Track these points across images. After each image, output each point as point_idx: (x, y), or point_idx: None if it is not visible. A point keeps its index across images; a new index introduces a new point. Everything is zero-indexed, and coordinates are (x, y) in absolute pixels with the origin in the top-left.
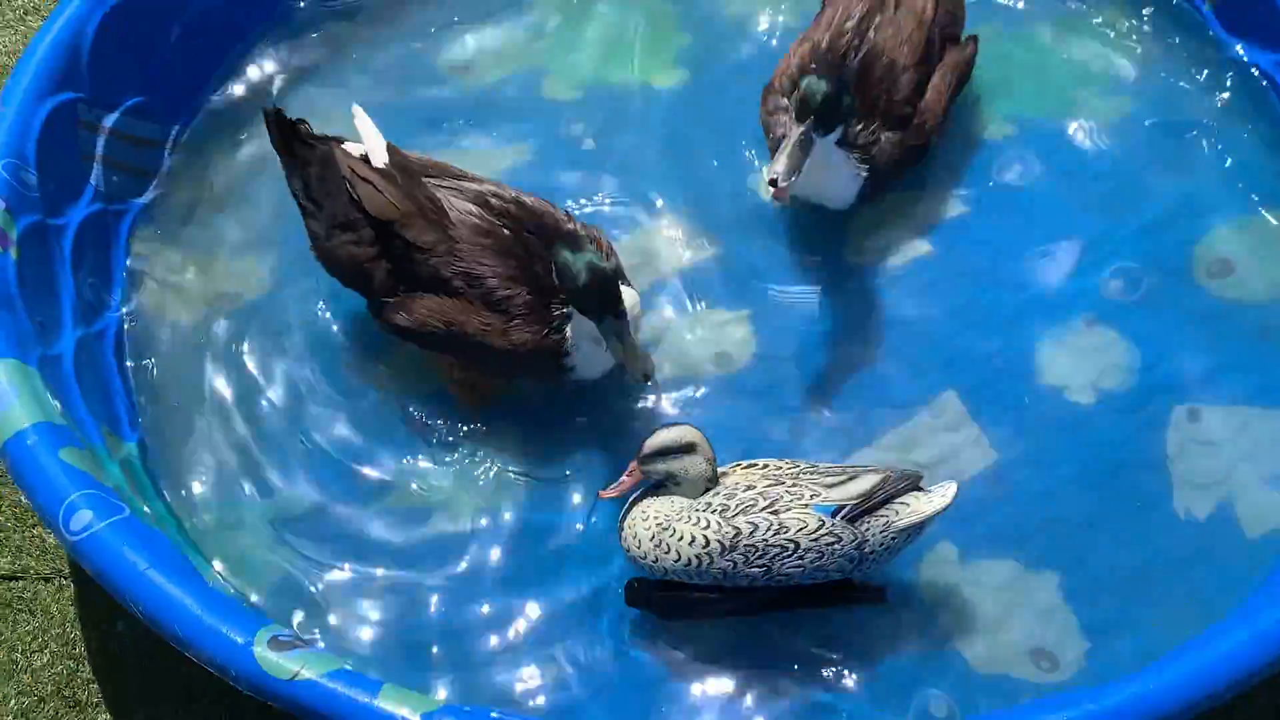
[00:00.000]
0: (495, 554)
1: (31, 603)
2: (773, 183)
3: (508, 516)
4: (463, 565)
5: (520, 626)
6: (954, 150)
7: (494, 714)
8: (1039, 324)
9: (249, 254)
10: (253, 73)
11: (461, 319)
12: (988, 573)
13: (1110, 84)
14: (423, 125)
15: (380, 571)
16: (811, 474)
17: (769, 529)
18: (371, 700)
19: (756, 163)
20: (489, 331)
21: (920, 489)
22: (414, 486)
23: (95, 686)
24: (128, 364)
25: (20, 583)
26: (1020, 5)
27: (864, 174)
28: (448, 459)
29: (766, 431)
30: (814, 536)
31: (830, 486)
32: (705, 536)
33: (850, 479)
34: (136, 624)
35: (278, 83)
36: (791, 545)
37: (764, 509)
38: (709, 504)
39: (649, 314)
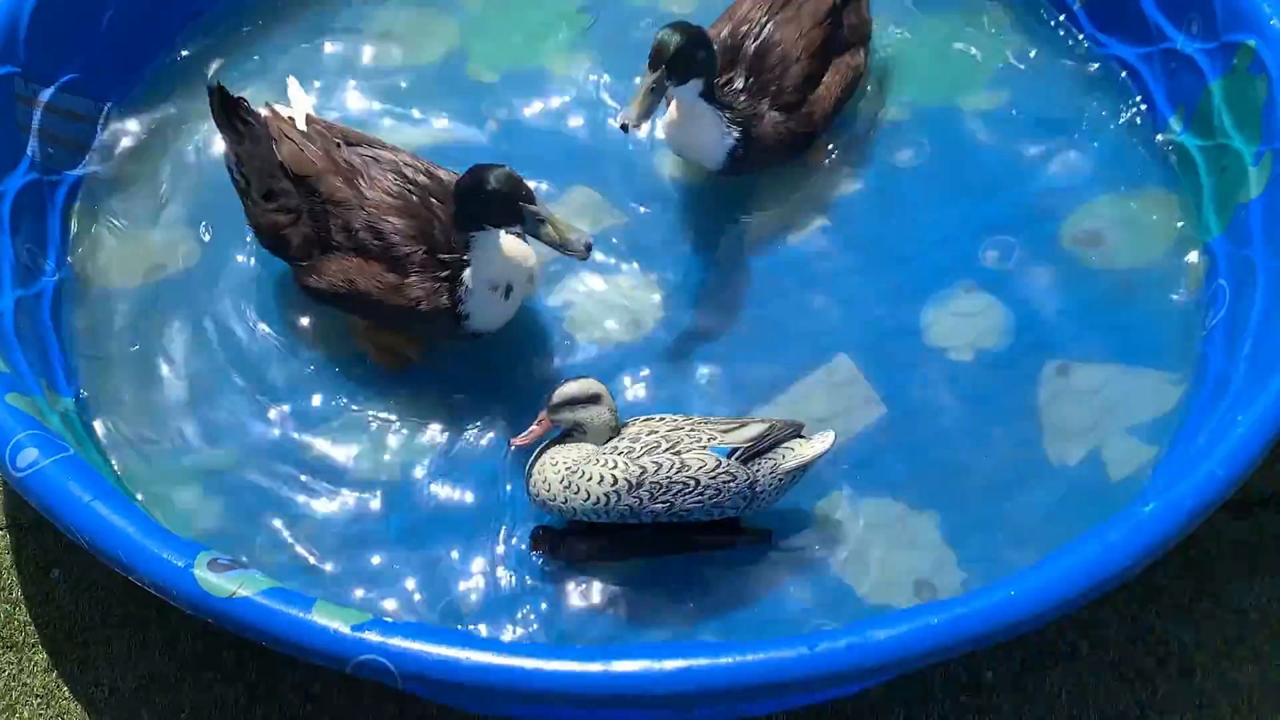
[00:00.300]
0: (412, 501)
1: None
2: (623, 127)
3: (424, 468)
4: (381, 511)
5: (434, 568)
6: (850, 132)
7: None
8: (923, 291)
9: (179, 224)
10: (182, 53)
11: (363, 278)
12: (876, 513)
13: (993, 76)
14: (346, 102)
15: (305, 519)
16: (705, 424)
17: (671, 467)
18: (305, 614)
19: (658, 149)
20: (386, 288)
21: (802, 437)
22: (336, 441)
23: (31, 628)
24: (64, 325)
25: None
26: (914, 4)
27: (734, 136)
28: (368, 416)
29: (672, 392)
30: (712, 474)
31: (725, 432)
32: (614, 475)
33: (741, 426)
34: (70, 570)
35: (207, 63)
36: (692, 482)
37: (667, 450)
38: (615, 448)
39: (561, 283)
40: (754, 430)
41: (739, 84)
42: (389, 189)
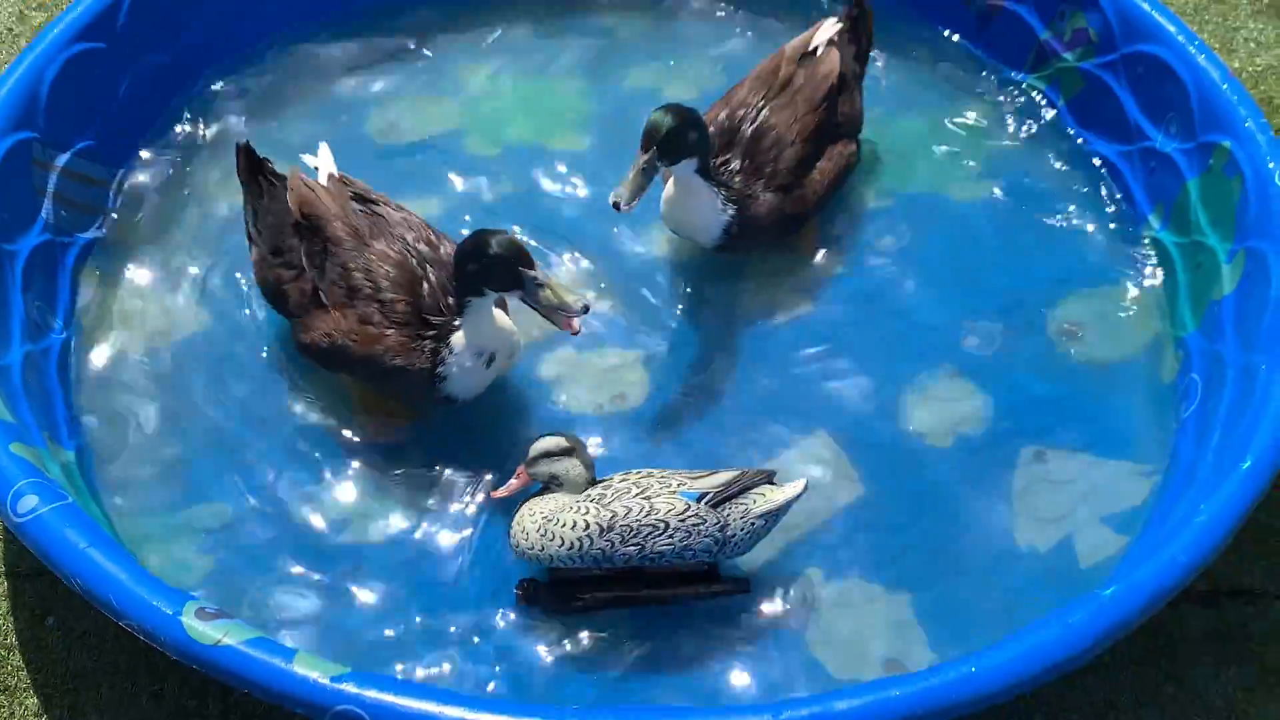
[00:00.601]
0: (400, 557)
1: None
2: (615, 206)
3: (409, 528)
4: (369, 567)
5: (420, 620)
6: (837, 217)
7: (396, 677)
8: (905, 375)
9: (184, 288)
10: (194, 126)
11: (345, 331)
12: (848, 591)
13: (978, 168)
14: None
15: (292, 577)
16: (677, 474)
17: (641, 511)
18: (286, 665)
19: (650, 229)
20: (365, 340)
21: (774, 484)
22: (325, 503)
23: (24, 674)
24: (69, 380)
25: None
26: (904, 96)
27: (728, 213)
28: (359, 476)
29: (654, 463)
30: (681, 517)
31: (695, 479)
32: (585, 520)
33: (711, 474)
34: (65, 618)
35: (215, 132)
36: (662, 525)
37: (637, 495)
38: (589, 495)
39: (548, 353)
40: (723, 477)
41: (735, 165)
42: (389, 246)
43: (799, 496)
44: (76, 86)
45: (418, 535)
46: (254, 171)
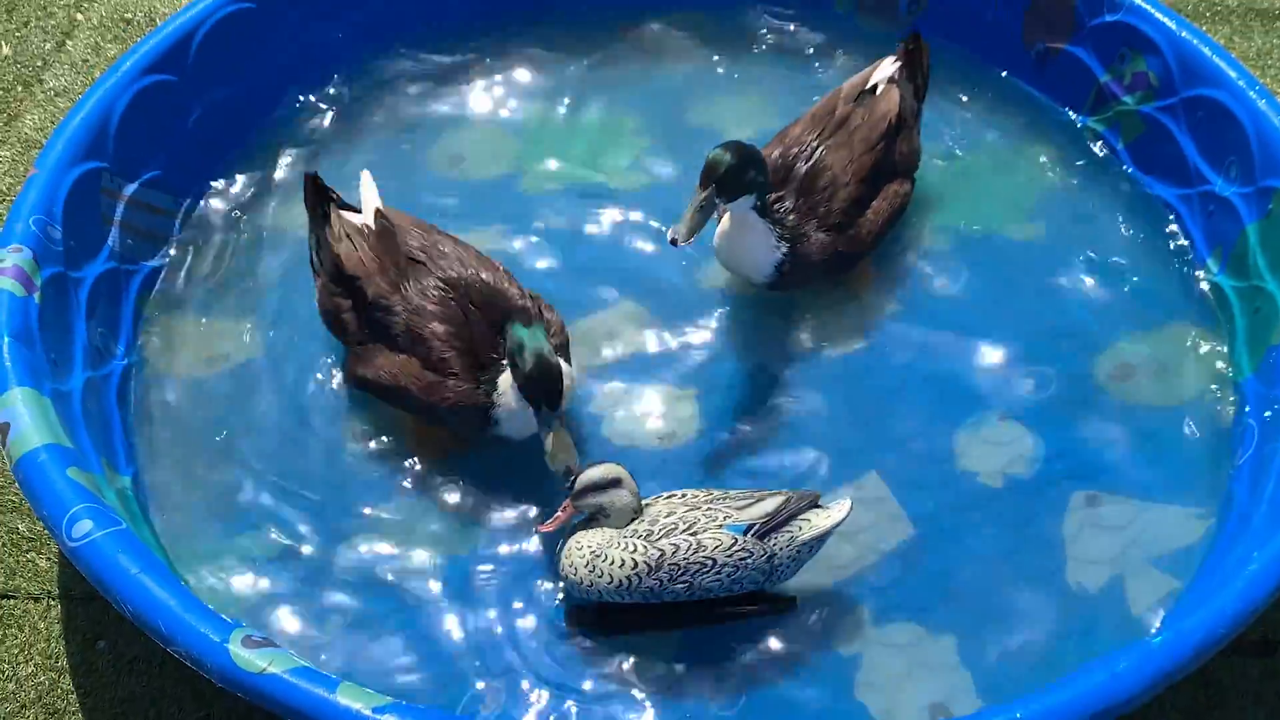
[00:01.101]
0: (448, 586)
1: (21, 619)
2: (673, 242)
3: (459, 555)
4: (418, 596)
5: (465, 651)
6: (892, 256)
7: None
8: (957, 416)
9: (245, 318)
10: (260, 155)
11: (405, 374)
12: (895, 633)
13: (1034, 208)
14: (414, 208)
15: (343, 601)
16: (723, 499)
17: (689, 549)
18: (329, 694)
19: (703, 267)
20: (425, 385)
21: (819, 506)
22: (376, 534)
23: (74, 697)
24: (128, 408)
25: (11, 601)
26: (961, 136)
27: (781, 251)
28: (409, 507)
29: None
30: (728, 553)
31: (740, 509)
32: (633, 559)
33: (757, 501)
34: (116, 642)
35: (280, 163)
36: (710, 562)
37: (683, 531)
38: (635, 530)
39: (599, 391)
40: (769, 505)
41: (789, 203)
42: (432, 295)
43: (845, 519)
44: (147, 117)
45: (466, 567)
46: (319, 202)
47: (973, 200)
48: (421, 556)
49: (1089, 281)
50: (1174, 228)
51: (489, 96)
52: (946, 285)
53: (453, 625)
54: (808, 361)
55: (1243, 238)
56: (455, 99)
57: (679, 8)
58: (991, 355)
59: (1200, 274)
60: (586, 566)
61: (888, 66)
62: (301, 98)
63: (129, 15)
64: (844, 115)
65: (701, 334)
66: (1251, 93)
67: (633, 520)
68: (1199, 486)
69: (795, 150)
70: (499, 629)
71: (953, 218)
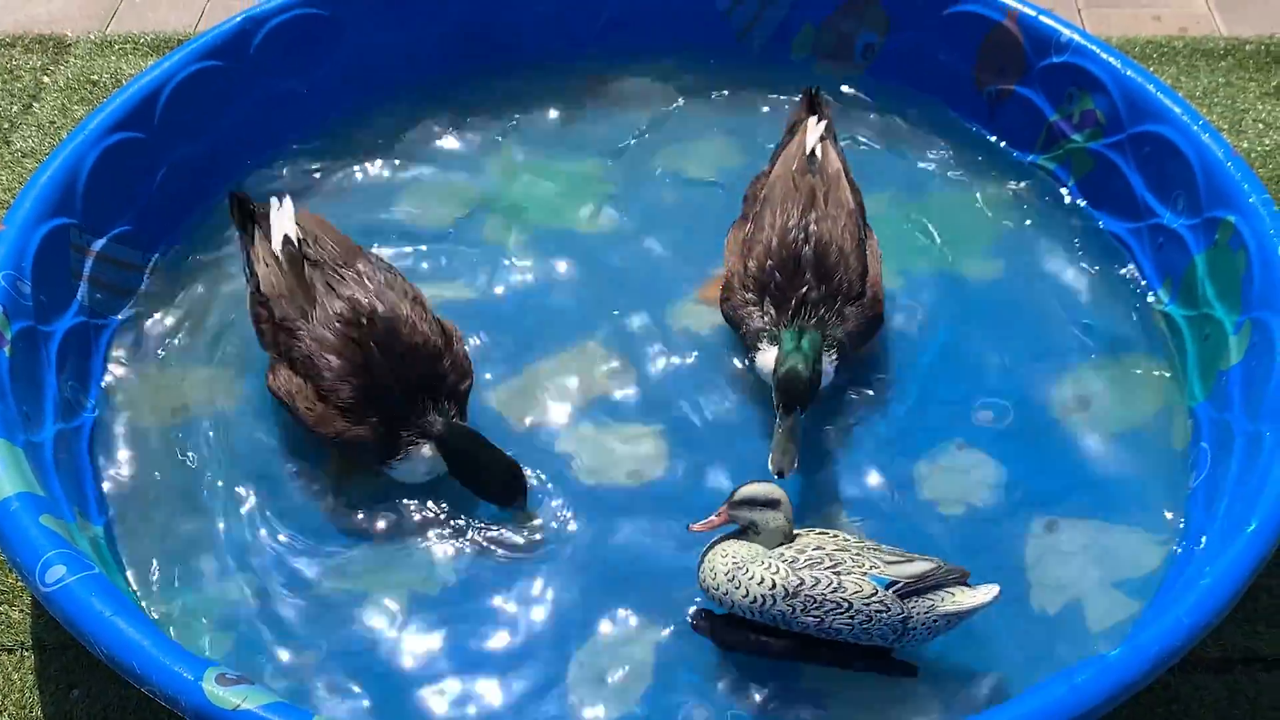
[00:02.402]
0: (414, 621)
1: None
2: (780, 474)
3: (438, 591)
4: (397, 637)
5: (441, 683)
6: None
7: None
8: (917, 447)
9: (213, 370)
10: (225, 213)
11: (300, 397)
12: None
13: (989, 246)
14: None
15: (317, 647)
16: (874, 550)
17: (828, 585)
18: None
19: (668, 305)
20: (316, 417)
21: (967, 585)
22: (350, 573)
23: None
24: (99, 458)
25: None
26: (916, 177)
27: (833, 359)
28: (383, 550)
29: (670, 529)
30: (866, 601)
31: (889, 564)
32: (773, 579)
33: (907, 561)
34: (89, 689)
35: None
36: (845, 604)
37: (828, 568)
38: (782, 554)
39: (566, 430)
40: (918, 568)
41: (814, 295)
42: (335, 327)
43: (989, 604)
44: (114, 174)
45: (433, 603)
46: (245, 219)
47: (929, 240)
48: (391, 593)
49: (1044, 315)
50: (1125, 260)
51: (452, 147)
52: (904, 322)
53: (424, 660)
54: (768, 398)
55: (1191, 267)
56: (419, 150)
57: (641, 57)
58: (950, 389)
59: (1152, 303)
60: (726, 575)
61: (815, 127)
62: (268, 153)
63: (95, 77)
64: (810, 186)
65: (665, 373)
66: (1195, 127)
67: (781, 544)
68: (1156, 510)
69: (792, 234)
70: (478, 655)
71: (910, 258)
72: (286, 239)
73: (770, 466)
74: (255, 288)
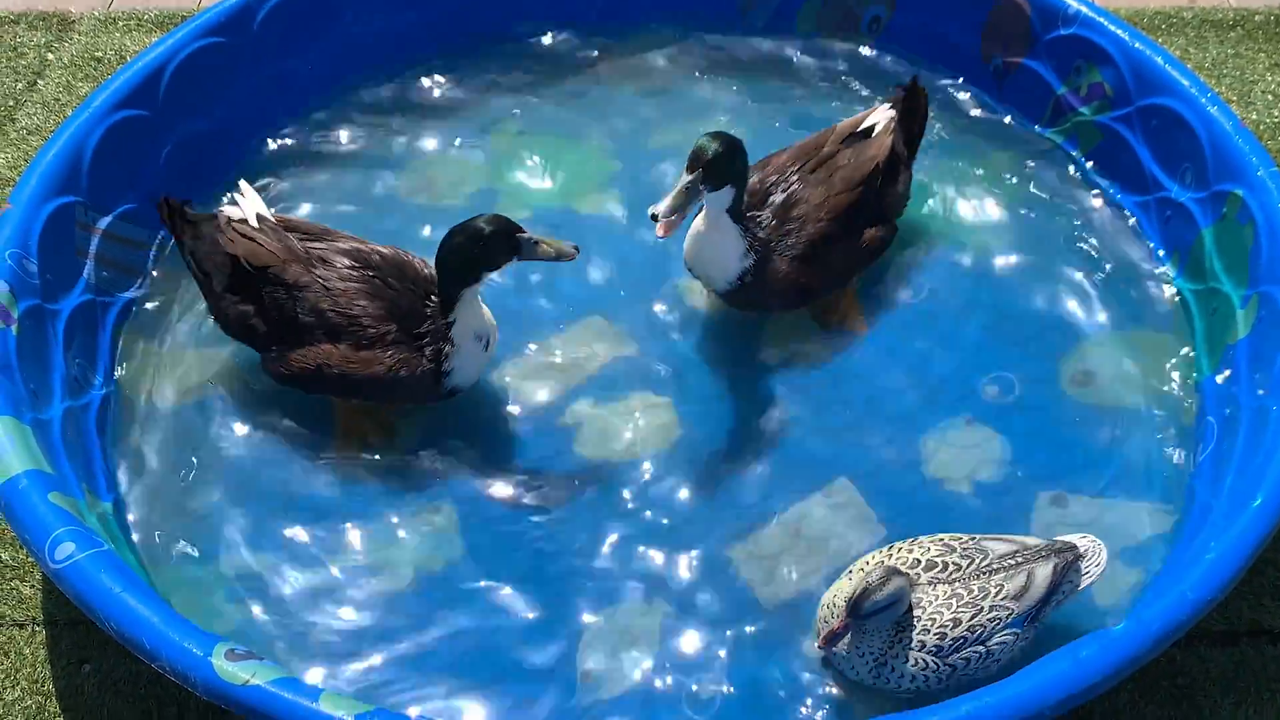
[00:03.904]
0: (426, 596)
1: (6, 646)
2: (653, 216)
3: (435, 568)
4: (400, 606)
5: (452, 657)
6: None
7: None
8: (925, 422)
9: (219, 347)
10: (232, 187)
11: (335, 360)
12: None
13: (997, 220)
14: (385, 237)
15: (327, 617)
16: (987, 573)
17: (979, 659)
18: (312, 703)
19: (678, 278)
20: (360, 363)
21: (1078, 560)
22: (357, 546)
23: (61, 719)
24: (107, 435)
25: None
26: (922, 150)
27: (749, 261)
28: (392, 520)
29: (673, 508)
30: (1010, 649)
31: (1016, 597)
32: (925, 675)
33: (1028, 576)
34: (101, 665)
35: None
36: (995, 660)
37: (974, 644)
38: (923, 643)
39: (572, 403)
40: (1041, 583)
41: (765, 218)
42: (348, 275)
43: (1104, 571)
44: (119, 152)
45: (444, 576)
46: (177, 221)
47: (936, 214)
48: (398, 568)
49: (1051, 289)
50: (1133, 234)
51: (459, 125)
52: (911, 295)
53: (439, 633)
54: (778, 371)
55: (1199, 241)
56: (425, 128)
57: (643, 33)
58: (957, 363)
59: (1159, 277)
60: (870, 673)
61: (884, 112)
62: (272, 129)
63: (100, 54)
64: (830, 153)
65: (673, 347)
66: (1203, 99)
67: (909, 612)
68: (1162, 484)
69: (775, 179)
70: (483, 635)
71: (917, 231)
72: (260, 216)
73: (649, 208)
74: (231, 282)
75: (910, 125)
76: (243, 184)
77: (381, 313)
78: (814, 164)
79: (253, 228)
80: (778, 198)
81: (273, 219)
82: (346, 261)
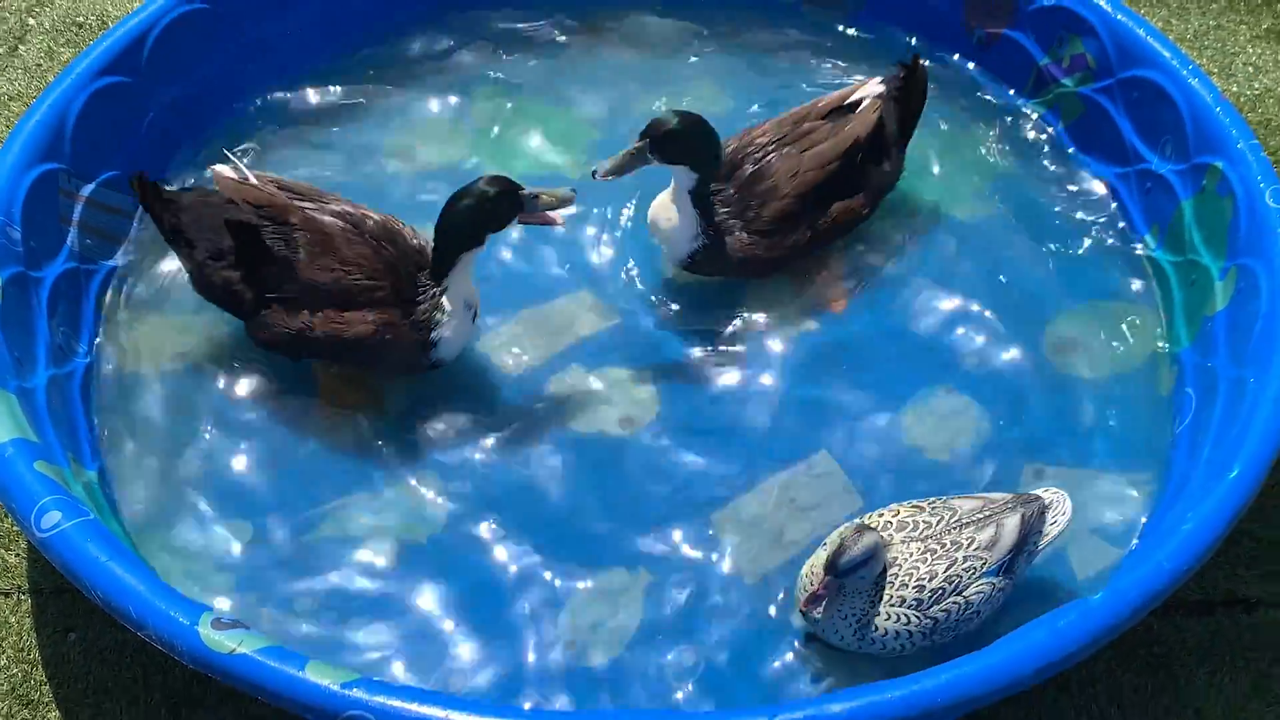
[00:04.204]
0: (411, 563)
1: None
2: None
3: (419, 538)
4: (388, 574)
5: (441, 624)
6: (837, 241)
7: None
8: (904, 392)
9: (203, 315)
10: (217, 154)
11: (320, 325)
12: None
13: (978, 189)
14: (369, 203)
15: (316, 591)
16: (958, 526)
17: (959, 610)
18: (298, 672)
19: (659, 252)
20: (349, 325)
21: (1045, 511)
22: (346, 515)
23: (47, 688)
24: (92, 402)
25: None
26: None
27: (699, 244)
28: (373, 486)
29: (662, 479)
30: (988, 597)
31: (988, 547)
32: (908, 630)
33: (994, 523)
34: (86, 633)
35: (240, 163)
36: (975, 612)
37: (953, 594)
38: (902, 598)
39: (558, 377)
40: (1010, 529)
41: (728, 193)
42: (343, 229)
43: (1071, 519)
44: (102, 119)
45: (436, 547)
46: (155, 199)
47: (917, 184)
48: (384, 539)
49: (1032, 259)
50: (1113, 205)
51: (444, 89)
52: (893, 265)
53: (425, 602)
54: (759, 343)
55: (1178, 213)
56: (409, 92)
57: (630, 3)
58: (937, 333)
59: (1139, 249)
60: (855, 635)
61: (873, 87)
62: (255, 95)
63: (81, 19)
64: (809, 129)
65: (656, 320)
66: (1184, 72)
67: (884, 573)
68: (1141, 455)
69: (749, 151)
70: (466, 604)
71: (898, 201)
72: (257, 174)
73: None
74: (211, 253)
75: (907, 104)
76: (230, 158)
77: (376, 267)
78: (791, 138)
79: (257, 180)
80: (747, 169)
81: (271, 179)
82: (340, 222)
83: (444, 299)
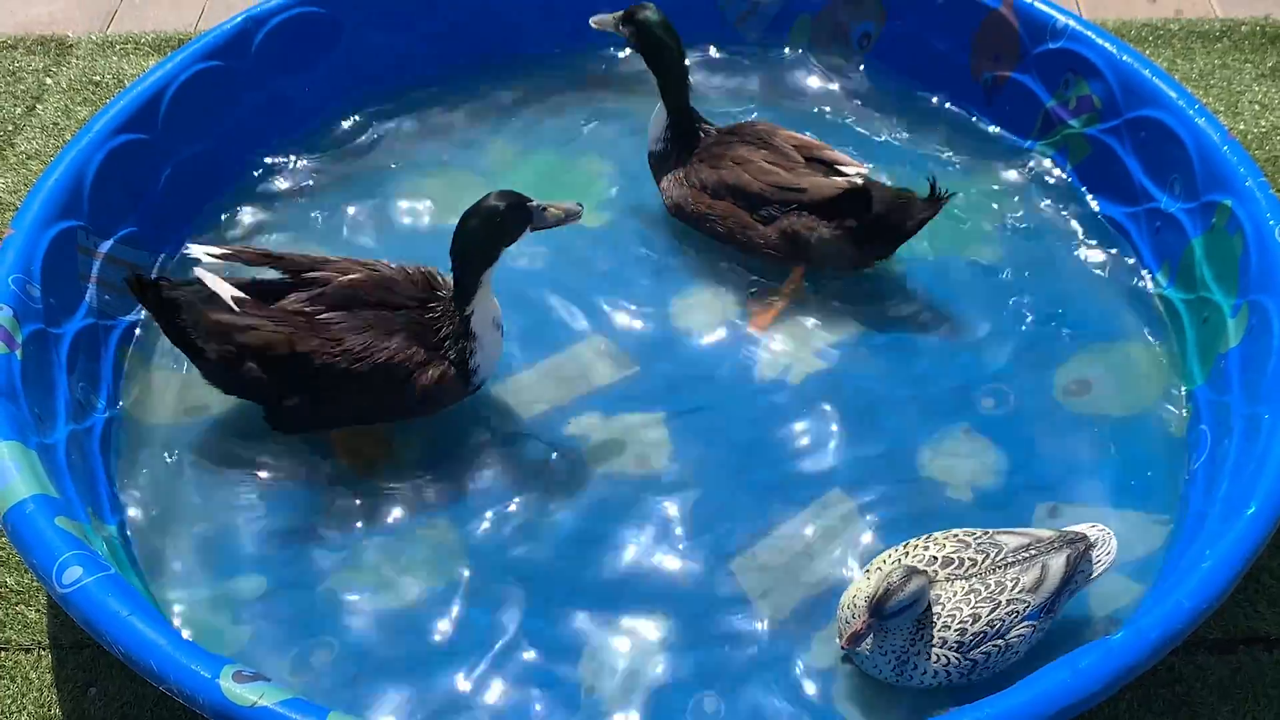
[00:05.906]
0: (429, 623)
1: (12, 670)
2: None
3: (438, 584)
4: (406, 626)
5: (460, 677)
6: (852, 282)
7: None
8: (922, 432)
9: None
10: (232, 210)
11: (363, 398)
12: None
13: (991, 231)
14: (384, 257)
15: (332, 644)
16: (1003, 567)
17: (999, 653)
18: None
19: (671, 299)
20: (390, 391)
21: (1090, 550)
22: (363, 565)
23: None
24: (111, 457)
25: (2, 653)
26: (916, 164)
27: (658, 147)
28: (393, 540)
29: (682, 519)
30: (1028, 640)
31: (1032, 589)
32: (947, 671)
33: (1042, 569)
34: (106, 688)
35: (254, 218)
36: (1015, 652)
37: (994, 638)
38: (943, 639)
39: (574, 420)
40: (1056, 574)
41: (705, 140)
42: (355, 325)
43: (1115, 558)
44: (120, 176)
45: (456, 592)
46: (155, 299)
47: (930, 226)
48: (402, 585)
49: (1044, 300)
50: (1123, 245)
51: (454, 143)
52: (906, 308)
53: (443, 649)
54: (772, 384)
55: (1188, 251)
56: (421, 148)
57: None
58: (953, 374)
59: (1150, 288)
60: (893, 670)
61: (855, 171)
62: (271, 152)
63: (98, 78)
64: (789, 154)
65: (669, 364)
66: (1191, 111)
67: (928, 609)
68: (1157, 493)
69: (746, 130)
70: (487, 650)
71: (912, 245)
72: (236, 299)
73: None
74: (233, 353)
75: (900, 221)
76: (196, 250)
77: (399, 338)
78: (774, 147)
79: (239, 314)
80: (731, 140)
81: (254, 252)
82: (342, 314)
83: (473, 324)
